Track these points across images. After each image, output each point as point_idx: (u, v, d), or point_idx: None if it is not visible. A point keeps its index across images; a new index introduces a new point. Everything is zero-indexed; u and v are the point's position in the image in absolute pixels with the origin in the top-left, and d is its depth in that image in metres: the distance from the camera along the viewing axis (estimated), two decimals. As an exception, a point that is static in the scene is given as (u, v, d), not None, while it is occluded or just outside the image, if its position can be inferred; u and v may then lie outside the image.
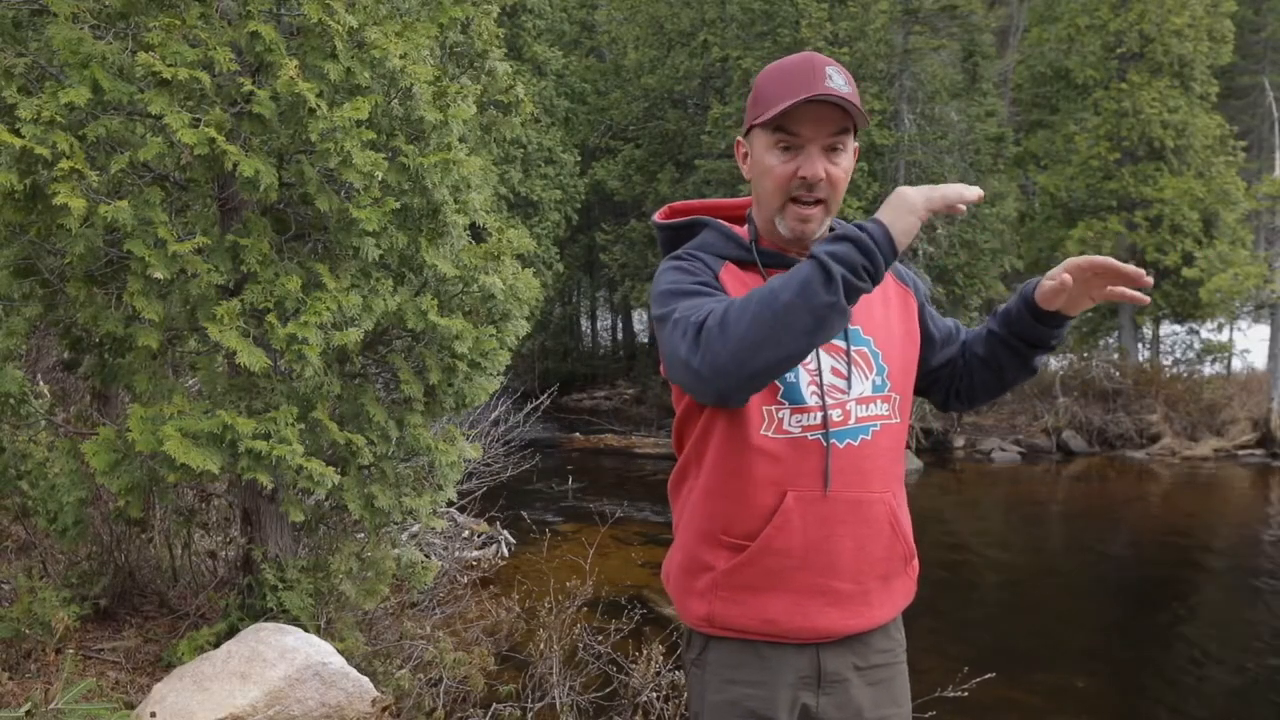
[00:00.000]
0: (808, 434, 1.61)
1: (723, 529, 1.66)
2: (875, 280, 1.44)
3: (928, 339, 1.83)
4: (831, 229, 1.76)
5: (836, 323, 1.42)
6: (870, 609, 1.67)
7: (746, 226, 1.74)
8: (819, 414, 1.62)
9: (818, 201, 1.62)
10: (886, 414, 1.69)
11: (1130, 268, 1.58)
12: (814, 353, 1.63)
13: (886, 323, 1.74)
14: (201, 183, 4.19)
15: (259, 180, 3.77)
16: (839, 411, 1.64)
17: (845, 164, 1.63)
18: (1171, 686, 6.36)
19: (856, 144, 1.71)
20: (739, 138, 1.73)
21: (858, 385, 1.66)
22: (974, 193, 1.47)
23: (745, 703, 1.65)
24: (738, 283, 1.65)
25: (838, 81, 1.58)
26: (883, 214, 1.48)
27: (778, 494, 1.61)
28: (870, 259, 1.42)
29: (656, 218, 1.84)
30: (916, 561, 1.78)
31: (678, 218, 1.81)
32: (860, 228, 1.45)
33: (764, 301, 1.41)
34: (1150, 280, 1.60)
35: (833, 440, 1.62)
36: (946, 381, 1.87)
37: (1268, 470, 15.20)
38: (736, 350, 1.41)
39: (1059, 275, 1.64)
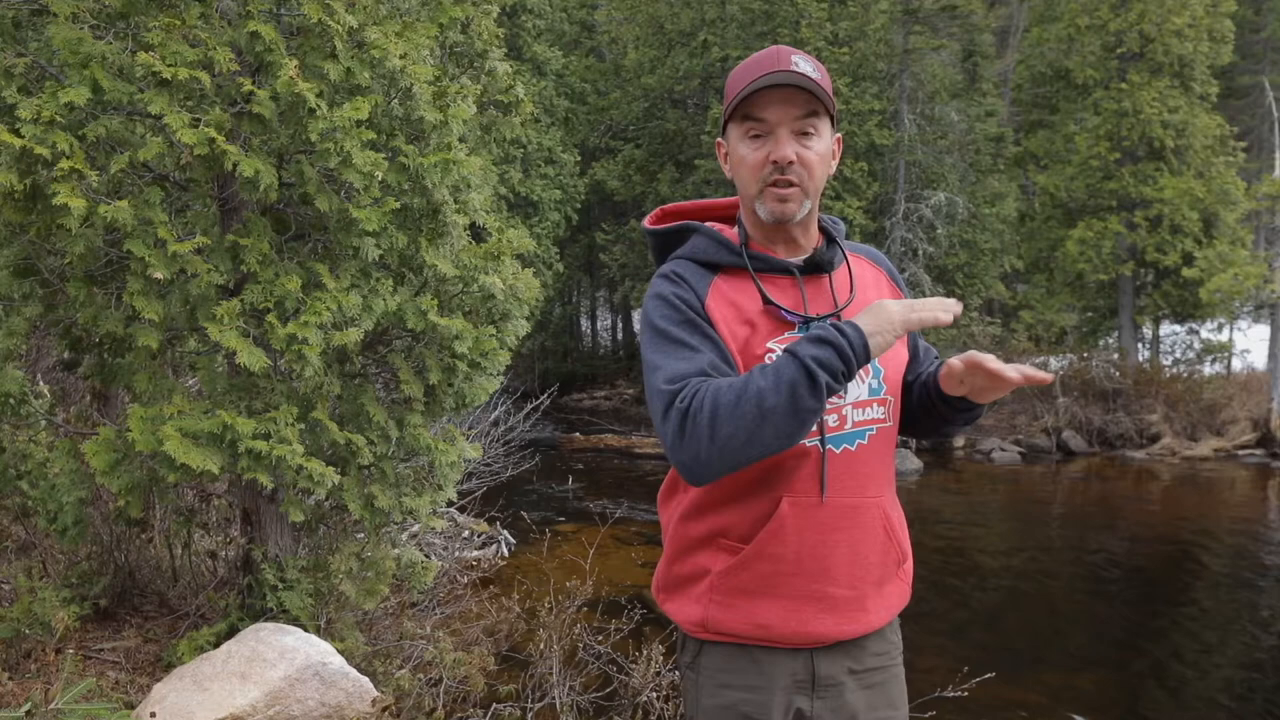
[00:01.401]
0: (805, 441, 1.60)
1: (720, 532, 1.65)
2: (846, 384, 1.49)
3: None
4: (824, 230, 1.75)
5: (812, 424, 1.48)
6: (866, 614, 1.66)
7: (736, 229, 1.72)
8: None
9: (792, 184, 1.61)
10: (882, 417, 1.68)
11: (1030, 375, 1.51)
12: None
13: None
14: (201, 183, 4.19)
15: (259, 180, 3.77)
16: (835, 417, 1.62)
17: (819, 148, 1.62)
18: (1171, 686, 6.36)
19: (839, 134, 1.71)
20: (719, 138, 1.72)
21: (854, 389, 1.65)
22: (953, 309, 1.50)
23: (739, 707, 1.65)
24: (725, 303, 1.63)
25: (804, 68, 1.58)
26: (862, 322, 1.50)
27: (773, 500, 1.60)
28: (848, 366, 1.46)
29: (646, 223, 1.81)
30: (910, 563, 1.76)
31: (668, 222, 1.79)
32: (840, 332, 1.47)
33: (751, 402, 1.44)
34: (1049, 378, 1.54)
35: (829, 446, 1.61)
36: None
37: (1268, 470, 15.20)
38: (722, 448, 1.45)
39: (953, 363, 1.59)
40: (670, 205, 1.84)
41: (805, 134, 1.60)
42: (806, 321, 1.64)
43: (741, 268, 1.66)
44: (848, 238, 1.81)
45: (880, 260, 1.84)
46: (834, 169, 1.69)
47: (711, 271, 1.67)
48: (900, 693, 1.76)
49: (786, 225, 1.65)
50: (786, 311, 1.64)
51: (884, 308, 1.51)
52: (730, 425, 1.44)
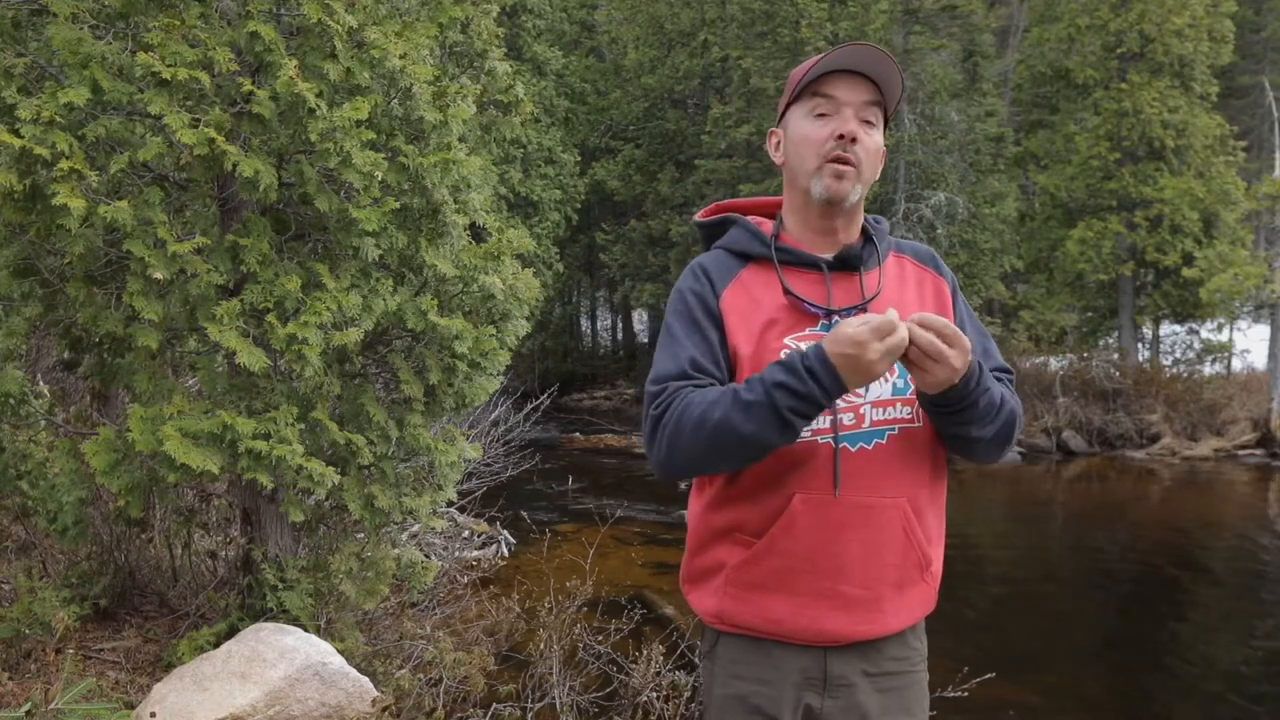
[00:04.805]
0: (817, 437, 1.60)
1: (736, 526, 1.66)
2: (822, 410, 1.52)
3: None
4: (865, 232, 1.75)
5: (790, 440, 1.55)
6: (883, 616, 1.65)
7: (774, 223, 1.75)
8: (828, 418, 1.60)
9: (850, 163, 1.63)
10: (907, 417, 1.65)
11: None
12: None
13: None
14: (201, 183, 4.19)
15: (259, 180, 3.77)
16: (851, 415, 1.62)
17: (876, 139, 1.66)
18: (1171, 686, 6.36)
19: (884, 147, 1.73)
20: (772, 128, 1.77)
21: (875, 388, 1.62)
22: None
23: (750, 698, 1.66)
24: (746, 296, 1.67)
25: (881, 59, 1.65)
26: (832, 353, 1.47)
27: (786, 495, 1.60)
28: (817, 406, 1.50)
29: (697, 216, 1.90)
30: (936, 569, 1.74)
31: (716, 215, 1.86)
32: (813, 376, 1.47)
33: (718, 427, 1.51)
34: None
35: (843, 444, 1.60)
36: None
37: (1268, 470, 15.20)
38: (684, 462, 1.57)
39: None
40: (725, 201, 1.91)
41: (867, 121, 1.64)
42: (829, 314, 1.64)
43: (770, 259, 1.69)
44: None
45: (930, 260, 1.81)
46: (878, 173, 1.72)
47: (742, 261, 1.72)
48: (919, 700, 1.74)
49: (835, 209, 1.67)
50: (808, 304, 1.64)
51: (843, 335, 1.46)
52: (695, 446, 1.55)
